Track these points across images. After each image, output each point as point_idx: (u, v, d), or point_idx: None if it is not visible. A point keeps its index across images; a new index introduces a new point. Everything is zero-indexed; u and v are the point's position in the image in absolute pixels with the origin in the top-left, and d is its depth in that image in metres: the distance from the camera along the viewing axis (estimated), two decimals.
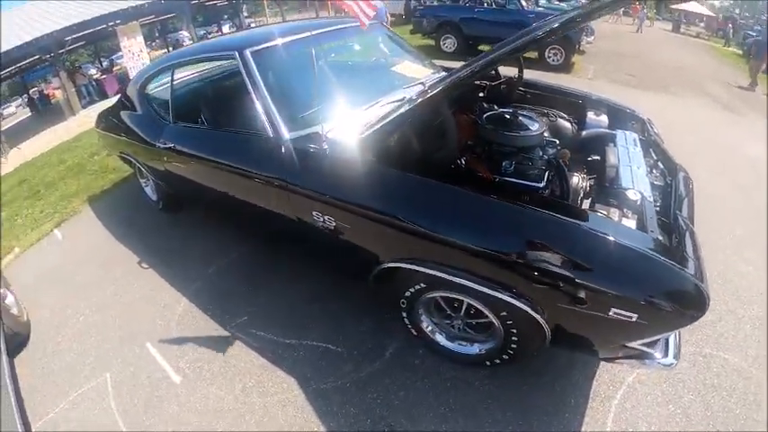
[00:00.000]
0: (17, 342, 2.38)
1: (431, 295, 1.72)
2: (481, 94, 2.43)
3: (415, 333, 1.93)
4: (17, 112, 19.51)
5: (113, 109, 3.37)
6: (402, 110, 1.64)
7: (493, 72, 2.43)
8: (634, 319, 1.22)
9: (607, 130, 2.12)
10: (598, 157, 1.92)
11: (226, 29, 21.86)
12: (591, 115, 2.25)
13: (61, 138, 7.73)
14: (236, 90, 2.34)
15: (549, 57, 7.61)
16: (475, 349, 1.81)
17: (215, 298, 2.51)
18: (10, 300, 2.54)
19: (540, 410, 1.70)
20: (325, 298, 2.37)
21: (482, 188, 1.50)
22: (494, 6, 8.34)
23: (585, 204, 1.68)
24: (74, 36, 10.39)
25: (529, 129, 1.84)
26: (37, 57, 11.61)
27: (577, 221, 1.30)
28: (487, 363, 1.79)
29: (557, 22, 1.53)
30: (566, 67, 7.53)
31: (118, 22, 10.33)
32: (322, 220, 1.77)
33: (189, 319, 2.40)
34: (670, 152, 2.07)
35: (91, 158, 5.56)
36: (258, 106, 1.91)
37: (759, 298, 2.22)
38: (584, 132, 2.16)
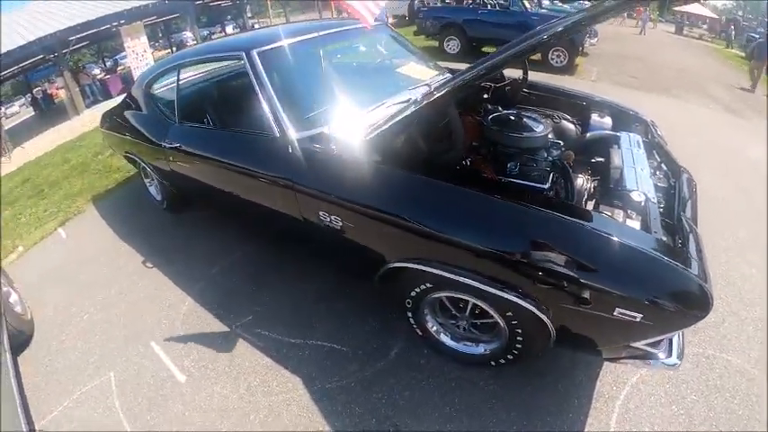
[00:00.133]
0: (21, 340, 2.38)
1: (436, 295, 1.73)
2: (486, 96, 2.44)
3: (420, 333, 1.93)
4: (20, 111, 19.59)
5: (118, 109, 3.39)
6: (408, 111, 1.65)
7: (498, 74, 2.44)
8: (638, 320, 1.23)
9: (611, 132, 2.12)
10: (602, 159, 1.93)
11: (229, 29, 21.92)
12: (595, 117, 2.26)
13: (65, 137, 7.75)
14: (241, 90, 2.36)
15: (553, 58, 7.63)
16: (480, 349, 1.82)
17: (220, 297, 2.51)
18: (14, 298, 2.56)
19: (543, 411, 1.71)
20: (330, 297, 2.37)
21: (487, 189, 1.51)
22: (497, 8, 8.35)
23: (590, 205, 1.68)
24: (78, 36, 10.45)
25: (533, 130, 1.86)
26: (41, 56, 11.69)
27: (582, 222, 1.31)
28: (492, 363, 1.80)
29: (561, 25, 1.53)
30: (569, 69, 7.54)
31: (122, 22, 10.40)
32: (328, 219, 1.79)
33: (193, 318, 2.41)
34: (673, 154, 2.08)
35: (95, 158, 5.58)
36: (265, 106, 1.92)
37: (762, 300, 2.22)
38: (588, 134, 2.17)
